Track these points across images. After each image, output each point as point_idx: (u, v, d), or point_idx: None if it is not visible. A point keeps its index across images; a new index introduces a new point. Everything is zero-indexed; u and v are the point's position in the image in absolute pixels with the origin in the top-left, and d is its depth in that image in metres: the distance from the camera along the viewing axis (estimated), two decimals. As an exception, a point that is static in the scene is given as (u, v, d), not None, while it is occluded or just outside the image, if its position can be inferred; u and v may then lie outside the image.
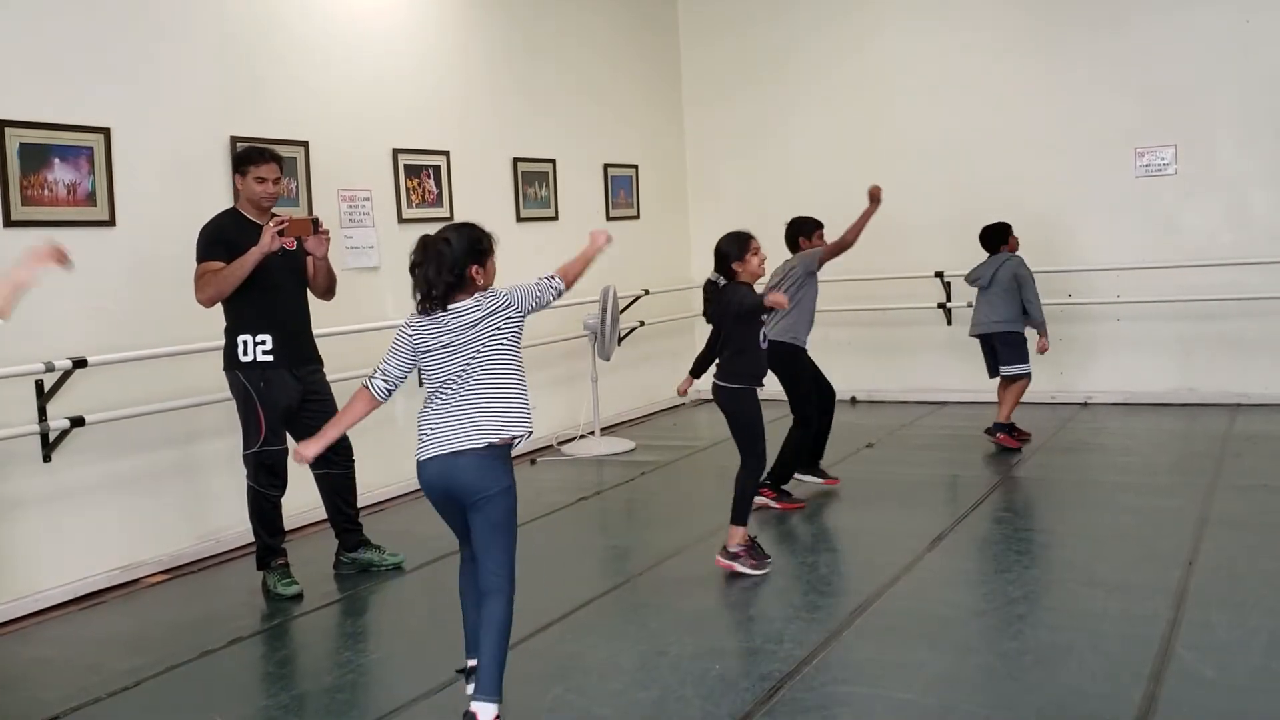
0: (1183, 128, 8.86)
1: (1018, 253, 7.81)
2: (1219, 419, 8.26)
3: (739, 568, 5.16)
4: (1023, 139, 9.35)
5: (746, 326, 5.29)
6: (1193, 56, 8.80)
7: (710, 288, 5.38)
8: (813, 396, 6.56)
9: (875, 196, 6.67)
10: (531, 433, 3.70)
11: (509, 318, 3.66)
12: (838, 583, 5.19)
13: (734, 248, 5.28)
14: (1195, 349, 8.96)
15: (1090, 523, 5.87)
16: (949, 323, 9.56)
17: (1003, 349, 7.69)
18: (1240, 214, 8.75)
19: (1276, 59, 8.54)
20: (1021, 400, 7.77)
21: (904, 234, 9.60)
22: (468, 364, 3.61)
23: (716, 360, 5.46)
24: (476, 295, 3.66)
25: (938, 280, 9.48)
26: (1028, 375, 7.70)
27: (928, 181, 9.61)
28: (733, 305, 5.28)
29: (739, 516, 5.25)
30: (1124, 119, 9.02)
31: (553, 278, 3.78)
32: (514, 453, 3.73)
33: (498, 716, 3.54)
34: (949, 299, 9.46)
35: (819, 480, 6.82)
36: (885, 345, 9.93)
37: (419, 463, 3.66)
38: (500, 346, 3.64)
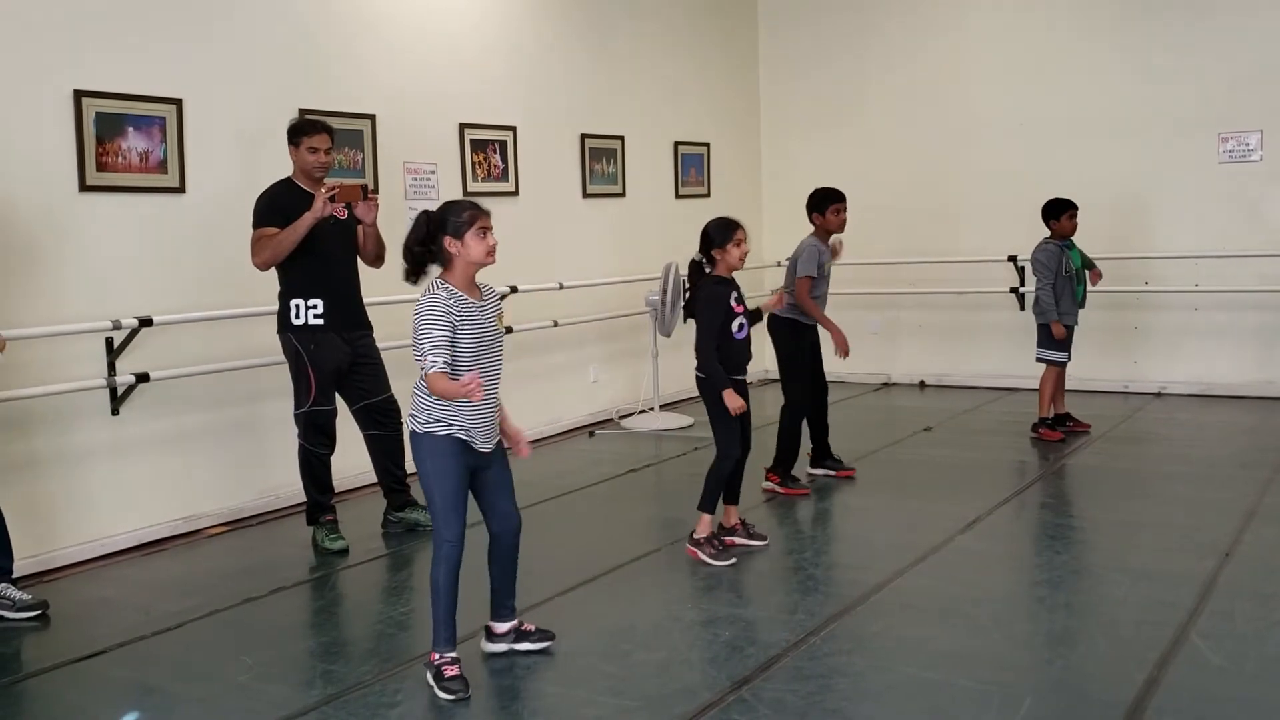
0: (1270, 112, 8.58)
1: (1064, 238, 7.43)
2: (1295, 413, 8.02)
3: (700, 556, 5.10)
4: (1102, 123, 9.14)
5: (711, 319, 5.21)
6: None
7: (694, 271, 5.28)
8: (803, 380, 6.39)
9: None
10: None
11: None
12: (862, 559, 5.21)
13: (719, 234, 5.16)
14: (1275, 341, 8.69)
15: (1134, 511, 5.78)
16: (1022, 308, 9.40)
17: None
18: (1329, 202, 8.47)
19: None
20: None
21: (976, 216, 9.52)
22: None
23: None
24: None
25: (1010, 264, 9.34)
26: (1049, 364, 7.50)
27: (1003, 163, 9.48)
28: (697, 302, 5.24)
29: (703, 504, 5.19)
30: (1208, 103, 8.76)
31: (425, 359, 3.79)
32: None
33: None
34: (1022, 283, 9.31)
35: (831, 473, 6.62)
36: (955, 329, 9.83)
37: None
38: None
